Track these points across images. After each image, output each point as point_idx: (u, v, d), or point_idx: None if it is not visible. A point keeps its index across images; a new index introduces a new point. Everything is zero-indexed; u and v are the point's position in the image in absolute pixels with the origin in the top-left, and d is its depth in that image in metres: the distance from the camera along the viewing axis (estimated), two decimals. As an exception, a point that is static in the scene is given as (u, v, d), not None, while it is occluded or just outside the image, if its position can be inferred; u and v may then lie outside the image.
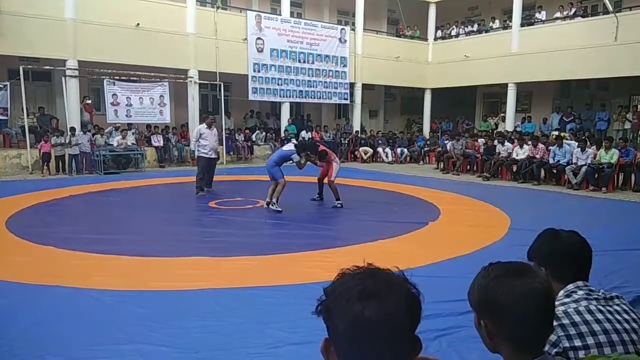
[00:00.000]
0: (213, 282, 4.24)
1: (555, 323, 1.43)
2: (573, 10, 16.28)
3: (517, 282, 1.13)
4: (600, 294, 1.57)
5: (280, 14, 16.83)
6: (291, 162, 7.64)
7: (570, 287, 1.60)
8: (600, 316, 1.47)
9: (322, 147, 8.19)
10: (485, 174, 12.57)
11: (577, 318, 1.45)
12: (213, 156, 9.25)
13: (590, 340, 1.41)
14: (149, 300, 3.83)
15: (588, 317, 1.46)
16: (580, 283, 1.61)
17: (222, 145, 9.49)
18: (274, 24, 16.28)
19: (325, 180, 8.05)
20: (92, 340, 3.10)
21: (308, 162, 7.84)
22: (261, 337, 3.17)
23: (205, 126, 9.18)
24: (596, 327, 1.43)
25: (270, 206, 7.48)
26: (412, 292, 0.91)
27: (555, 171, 11.38)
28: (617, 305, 1.54)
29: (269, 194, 7.60)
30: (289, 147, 7.88)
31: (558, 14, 16.59)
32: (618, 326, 1.45)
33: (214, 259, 4.96)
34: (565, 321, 1.45)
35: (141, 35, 13.46)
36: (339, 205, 7.86)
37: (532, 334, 1.13)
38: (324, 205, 8.24)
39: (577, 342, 1.41)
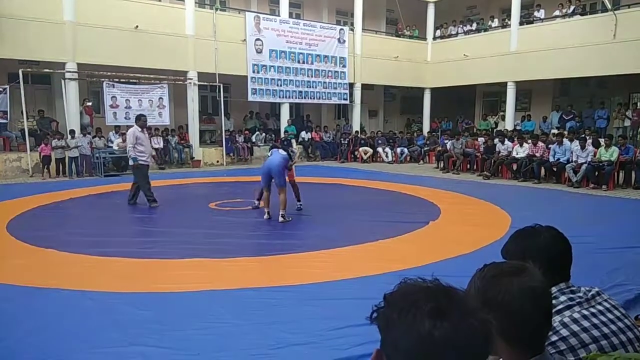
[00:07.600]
0: (214, 284, 4.24)
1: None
2: (572, 8, 16.28)
3: (514, 281, 1.13)
4: (582, 294, 1.52)
5: (279, 15, 16.84)
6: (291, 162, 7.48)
7: (553, 290, 1.52)
8: (586, 323, 1.43)
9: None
10: (485, 172, 12.57)
11: (564, 332, 1.42)
12: (150, 162, 8.23)
13: (582, 353, 1.38)
14: (150, 302, 3.83)
15: (575, 327, 1.42)
16: (562, 285, 1.55)
17: (223, 147, 9.02)
18: (272, 25, 16.29)
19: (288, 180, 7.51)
20: (94, 343, 3.10)
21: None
22: (262, 338, 3.16)
23: (139, 129, 8.01)
24: (585, 337, 1.40)
25: (285, 218, 6.81)
26: (488, 320, 0.81)
27: (555, 169, 11.38)
28: (600, 304, 1.50)
29: (281, 205, 6.82)
30: (282, 152, 7.24)
31: (557, 12, 16.58)
32: (605, 330, 1.42)
33: (214, 261, 4.96)
34: (554, 338, 1.40)
35: (140, 37, 13.47)
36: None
37: (532, 333, 1.14)
38: (322, 206, 8.23)
39: (570, 357, 1.38)
